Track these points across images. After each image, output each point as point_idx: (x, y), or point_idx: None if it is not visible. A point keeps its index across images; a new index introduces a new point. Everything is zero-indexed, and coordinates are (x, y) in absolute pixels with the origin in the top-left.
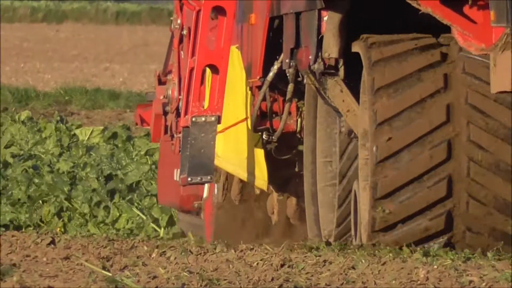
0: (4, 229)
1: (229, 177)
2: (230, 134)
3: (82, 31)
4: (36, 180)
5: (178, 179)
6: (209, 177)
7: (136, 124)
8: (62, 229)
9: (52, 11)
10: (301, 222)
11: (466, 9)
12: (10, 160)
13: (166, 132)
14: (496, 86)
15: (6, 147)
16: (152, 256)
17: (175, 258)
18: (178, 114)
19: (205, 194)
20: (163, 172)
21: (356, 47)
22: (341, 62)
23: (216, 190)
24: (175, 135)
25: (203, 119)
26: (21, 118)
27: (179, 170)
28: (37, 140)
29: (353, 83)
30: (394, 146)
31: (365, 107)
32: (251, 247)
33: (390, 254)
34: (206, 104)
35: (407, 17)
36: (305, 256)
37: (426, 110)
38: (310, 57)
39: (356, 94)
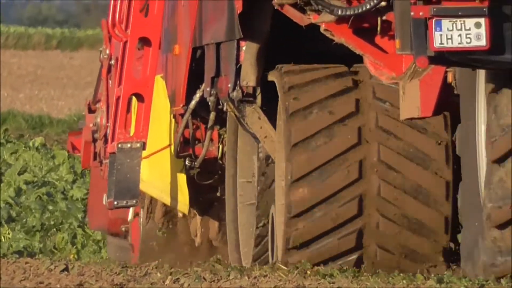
0: (17, 255)
1: (153, 201)
2: (154, 160)
3: (96, 58)
4: (50, 207)
5: (105, 203)
6: (134, 201)
7: (68, 151)
8: (76, 256)
9: (66, 38)
10: (223, 244)
11: (377, 39)
12: (24, 187)
13: (95, 159)
14: (405, 113)
15: (20, 173)
16: (166, 283)
17: (189, 285)
18: (106, 141)
19: (130, 217)
20: (93, 197)
21: (272, 76)
22: (258, 90)
23: (141, 213)
24: (103, 161)
25: (129, 145)
26: (35, 145)
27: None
28: (51, 167)
29: (270, 110)
30: (308, 166)
31: (280, 131)
32: (265, 273)
33: (404, 281)
34: (132, 131)
35: (322, 47)
36: (319, 283)
37: (339, 133)
38: (229, 85)
39: (273, 121)
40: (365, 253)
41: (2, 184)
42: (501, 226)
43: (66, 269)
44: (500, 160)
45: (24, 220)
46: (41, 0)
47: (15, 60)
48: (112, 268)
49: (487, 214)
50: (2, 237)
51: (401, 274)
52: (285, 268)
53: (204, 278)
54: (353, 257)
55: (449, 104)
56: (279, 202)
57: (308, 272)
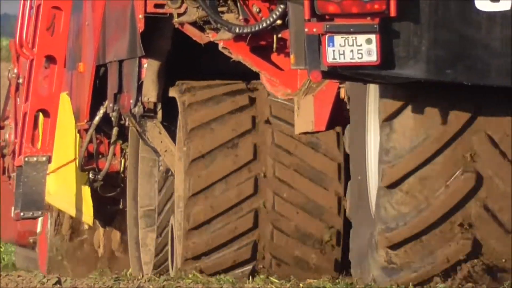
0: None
1: (60, 213)
2: (60, 173)
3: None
4: None
5: (13, 215)
6: (40, 212)
7: None
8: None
9: None
10: (125, 254)
11: (273, 56)
12: None
13: (4, 173)
14: (299, 127)
15: None
16: None
17: None
18: (14, 156)
19: (38, 229)
20: (4, 210)
21: (172, 92)
22: (159, 105)
23: (49, 225)
24: (12, 175)
25: (35, 159)
26: None
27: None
28: None
29: (170, 126)
30: (206, 181)
31: (180, 146)
32: (257, 286)
33: None
34: (40, 146)
35: (221, 64)
36: None
37: (236, 149)
38: (131, 101)
39: (173, 135)
40: (259, 264)
41: None
42: (392, 247)
43: (58, 282)
44: (391, 186)
45: None
46: None
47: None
48: (105, 281)
49: (378, 235)
50: None
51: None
52: (277, 281)
53: None
54: (249, 267)
55: (342, 119)
56: (178, 214)
57: (301, 284)
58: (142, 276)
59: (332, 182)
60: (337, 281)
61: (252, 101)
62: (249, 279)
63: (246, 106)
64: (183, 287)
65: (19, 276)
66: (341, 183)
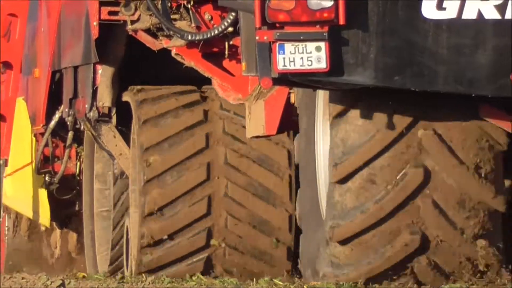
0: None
1: (18, 215)
2: (17, 176)
3: None
4: None
5: None
6: None
7: None
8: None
9: None
10: (81, 255)
11: (225, 62)
12: None
13: None
14: (251, 132)
15: None
16: None
17: None
18: None
19: None
20: None
21: (126, 96)
22: (113, 110)
23: (7, 227)
24: None
25: None
26: None
27: None
28: None
29: (124, 130)
30: (159, 168)
31: (134, 139)
32: None
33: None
34: None
35: (174, 69)
36: None
37: (187, 138)
38: (86, 106)
39: (127, 139)
40: (215, 252)
41: None
42: (342, 242)
43: (62, 284)
44: (341, 181)
45: None
46: None
47: None
48: (109, 283)
49: (329, 230)
50: None
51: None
52: (281, 283)
53: None
54: (204, 255)
55: (292, 123)
56: (133, 203)
57: (305, 286)
58: (146, 278)
59: (282, 169)
60: (341, 283)
61: (203, 98)
62: (253, 281)
63: (198, 101)
64: None
65: (23, 278)
66: (291, 169)
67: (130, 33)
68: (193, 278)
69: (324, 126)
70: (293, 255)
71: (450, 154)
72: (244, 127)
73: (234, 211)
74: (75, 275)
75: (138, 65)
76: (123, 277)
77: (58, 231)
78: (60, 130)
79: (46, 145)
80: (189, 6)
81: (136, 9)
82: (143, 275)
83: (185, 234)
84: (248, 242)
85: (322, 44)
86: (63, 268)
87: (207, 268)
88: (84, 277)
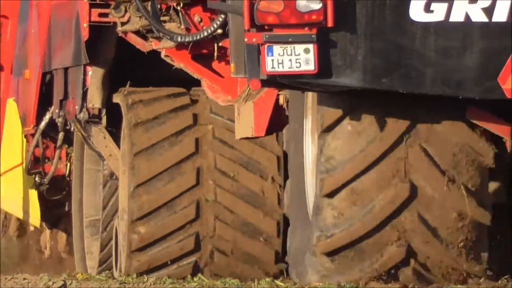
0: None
1: (7, 215)
2: (8, 177)
3: None
4: None
5: None
6: None
7: None
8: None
9: None
10: (70, 255)
11: (214, 64)
12: None
13: None
14: (240, 133)
15: None
16: None
17: None
18: None
19: None
20: None
21: (116, 98)
22: (103, 111)
23: None
24: None
25: None
26: None
27: None
28: None
29: (114, 131)
30: (149, 173)
31: (124, 142)
32: None
33: None
34: None
35: (164, 71)
36: None
37: (178, 143)
38: (76, 107)
39: (117, 140)
40: (203, 256)
41: None
42: (328, 254)
43: (64, 285)
44: (328, 195)
45: None
46: None
47: None
48: (110, 284)
49: (316, 241)
50: None
51: None
52: (282, 284)
53: None
54: (192, 259)
55: (281, 125)
56: (121, 207)
57: (306, 287)
58: (148, 279)
59: (273, 175)
60: (342, 284)
61: (193, 101)
62: (255, 282)
63: (187, 104)
64: None
65: (24, 279)
66: (280, 174)
67: (120, 35)
68: (195, 279)
69: (313, 127)
70: (281, 259)
71: (435, 169)
72: (233, 132)
73: (223, 215)
74: (75, 276)
75: (128, 67)
76: (124, 278)
77: (48, 231)
78: (51, 131)
79: (37, 146)
80: (178, 8)
81: (126, 11)
82: (145, 276)
83: (174, 238)
84: (236, 246)
85: (310, 46)
86: (52, 268)
87: (196, 272)
88: (86, 278)
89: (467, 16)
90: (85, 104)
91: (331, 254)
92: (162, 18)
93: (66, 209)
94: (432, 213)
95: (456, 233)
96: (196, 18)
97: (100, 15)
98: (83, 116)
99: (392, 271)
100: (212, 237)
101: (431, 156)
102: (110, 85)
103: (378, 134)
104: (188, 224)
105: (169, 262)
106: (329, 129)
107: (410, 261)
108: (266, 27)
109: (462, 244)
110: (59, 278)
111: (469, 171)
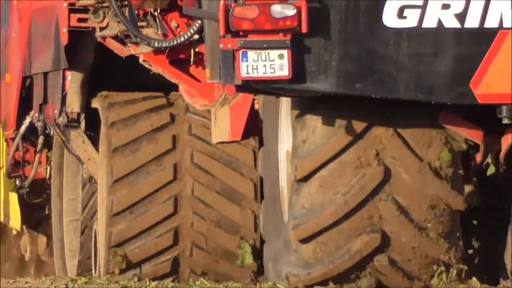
0: None
1: None
2: None
3: None
4: None
5: None
6: None
7: None
8: None
9: None
10: (50, 258)
11: (191, 69)
12: None
13: None
14: (216, 137)
15: None
16: None
17: None
18: None
19: None
20: None
21: (95, 102)
22: (82, 116)
23: None
24: None
25: None
26: None
27: None
28: None
29: (93, 135)
30: (127, 168)
31: (102, 141)
32: None
33: None
34: None
35: (142, 76)
36: None
37: (155, 140)
38: (56, 111)
39: (96, 144)
40: (181, 252)
41: None
42: (304, 241)
43: None
44: (303, 179)
45: None
46: None
47: None
48: (112, 287)
49: (291, 229)
50: None
51: None
52: (282, 287)
53: None
54: (171, 255)
55: (256, 129)
56: (100, 205)
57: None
58: (149, 282)
59: (247, 169)
60: (343, 285)
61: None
62: (256, 285)
63: (165, 105)
64: None
65: (26, 282)
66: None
67: (99, 40)
68: (197, 282)
69: (287, 134)
70: (259, 254)
71: (410, 153)
72: (210, 129)
73: (201, 210)
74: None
75: (107, 72)
76: (127, 282)
77: (27, 234)
78: (31, 135)
79: (17, 149)
80: (156, 13)
81: (104, 16)
82: (147, 280)
83: (152, 233)
84: (214, 241)
85: (284, 52)
86: (33, 271)
87: (174, 268)
88: (87, 282)
89: (440, 22)
90: (64, 109)
91: (305, 241)
92: (139, 24)
93: (46, 212)
94: (406, 198)
95: (431, 219)
96: (173, 24)
97: (79, 20)
98: (62, 120)
99: (367, 260)
100: (190, 231)
101: (405, 139)
102: (89, 90)
103: (351, 119)
104: (166, 219)
105: (147, 258)
106: (302, 114)
107: (385, 249)
108: (241, 33)
109: (437, 230)
110: (61, 282)
111: (443, 155)
